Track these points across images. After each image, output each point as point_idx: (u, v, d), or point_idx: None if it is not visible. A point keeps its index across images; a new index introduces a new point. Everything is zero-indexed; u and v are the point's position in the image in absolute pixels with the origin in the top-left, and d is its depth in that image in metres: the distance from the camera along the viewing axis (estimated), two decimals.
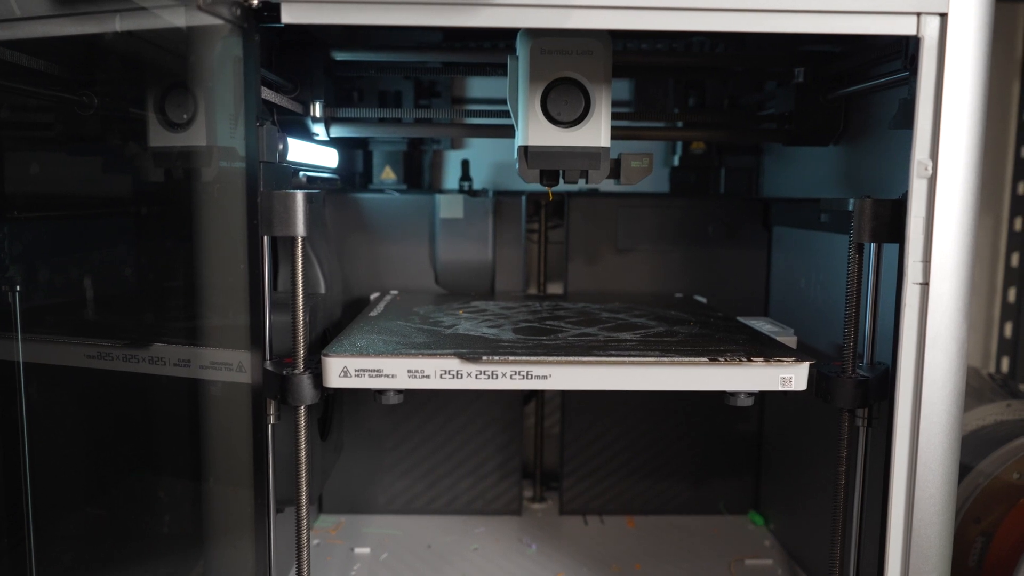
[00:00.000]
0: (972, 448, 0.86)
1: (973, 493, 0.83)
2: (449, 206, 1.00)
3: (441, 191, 1.04)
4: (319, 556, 0.93)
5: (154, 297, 0.86)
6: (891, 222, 0.61)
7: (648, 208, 1.03)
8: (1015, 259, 1.25)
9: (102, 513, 0.82)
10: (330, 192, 0.98)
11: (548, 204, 1.05)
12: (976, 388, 0.99)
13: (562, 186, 0.73)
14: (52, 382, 0.76)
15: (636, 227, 1.03)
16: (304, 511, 0.66)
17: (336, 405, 0.91)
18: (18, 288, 0.72)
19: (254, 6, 0.58)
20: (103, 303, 0.82)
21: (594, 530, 1.02)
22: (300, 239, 0.63)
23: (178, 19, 0.62)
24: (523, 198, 1.02)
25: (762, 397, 1.05)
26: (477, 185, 1.13)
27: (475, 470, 1.04)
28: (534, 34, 0.67)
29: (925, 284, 0.58)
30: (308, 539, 0.67)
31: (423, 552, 0.95)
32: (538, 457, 1.11)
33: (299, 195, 0.62)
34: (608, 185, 0.78)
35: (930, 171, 0.58)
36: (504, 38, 0.94)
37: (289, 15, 0.58)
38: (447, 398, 1.03)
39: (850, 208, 0.64)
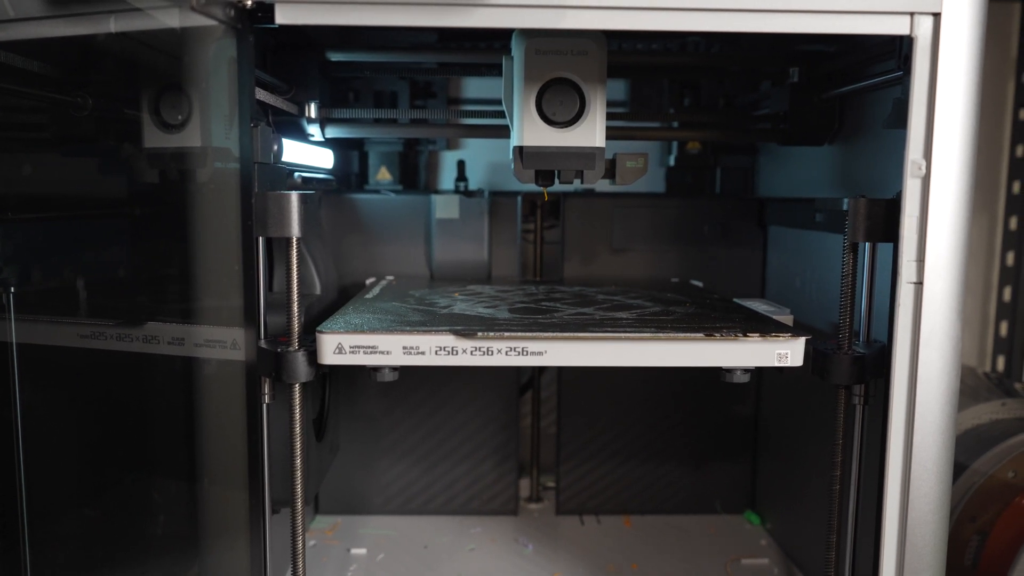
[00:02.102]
0: (967, 447, 0.86)
1: (968, 492, 0.83)
2: (445, 207, 1.00)
3: (437, 192, 1.04)
4: (315, 557, 0.93)
5: (149, 297, 0.86)
6: (885, 221, 0.61)
7: (644, 208, 1.03)
8: (1010, 258, 1.25)
9: (94, 512, 0.82)
10: (326, 193, 0.98)
11: (544, 204, 1.05)
12: (971, 387, 0.99)
13: (558, 186, 0.73)
14: (44, 370, 0.75)
15: (632, 227, 1.03)
16: (300, 507, 0.66)
17: (331, 406, 0.91)
18: (12, 290, 0.72)
19: (248, 7, 0.58)
20: (97, 304, 0.81)
21: (591, 530, 1.02)
22: (295, 240, 0.63)
23: (172, 20, 0.62)
24: (519, 198, 1.02)
25: (759, 395, 1.05)
26: (473, 185, 1.13)
27: (471, 470, 1.04)
28: (529, 34, 0.67)
29: (919, 283, 0.58)
30: (304, 540, 0.67)
31: (419, 552, 0.95)
32: (534, 457, 1.11)
33: (294, 196, 0.62)
34: (604, 185, 0.78)
35: (924, 170, 0.58)
36: (499, 38, 0.94)
37: (283, 16, 0.58)
38: (444, 397, 1.03)
39: (845, 208, 0.64)
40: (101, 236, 0.86)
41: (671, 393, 1.05)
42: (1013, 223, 1.25)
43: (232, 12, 0.58)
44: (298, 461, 0.65)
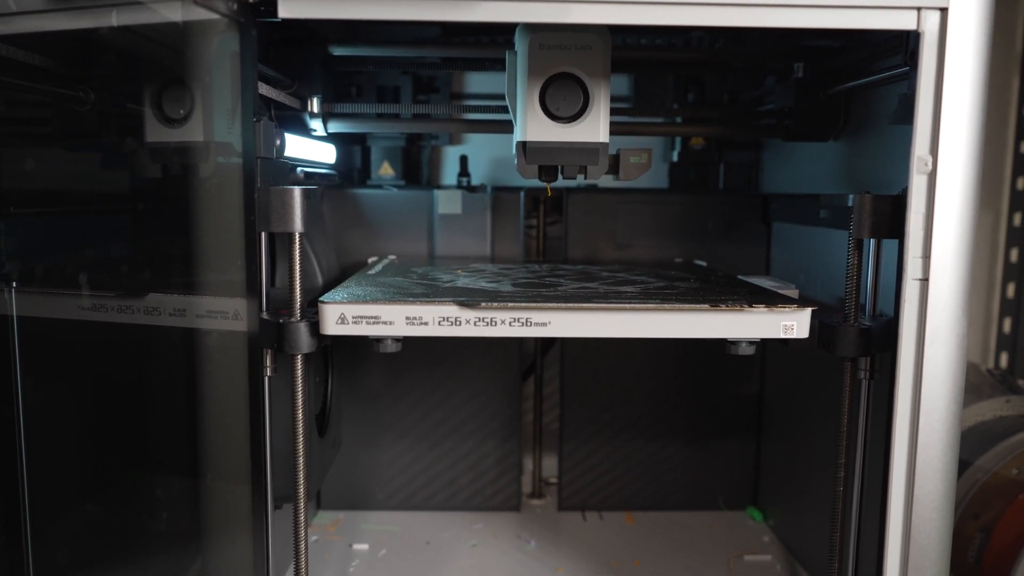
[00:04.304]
0: (971, 444, 0.86)
1: (972, 489, 0.83)
2: (447, 202, 1.00)
3: (439, 187, 1.04)
4: (317, 553, 0.93)
5: (151, 290, 0.86)
6: (891, 218, 0.61)
7: (647, 204, 1.03)
8: (1014, 255, 1.25)
9: (94, 502, 0.81)
10: (328, 188, 0.98)
11: (547, 200, 1.05)
12: (975, 384, 0.99)
13: (561, 182, 0.73)
14: (46, 349, 0.74)
15: (635, 223, 1.03)
16: (302, 501, 0.66)
17: (334, 402, 0.91)
18: (14, 285, 0.72)
19: (251, 1, 0.57)
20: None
21: (593, 526, 1.02)
22: (298, 235, 0.63)
23: (175, 14, 0.62)
24: (522, 194, 1.02)
25: (761, 395, 1.05)
26: (475, 181, 1.13)
27: (474, 466, 1.04)
28: (533, 28, 0.67)
29: (925, 280, 0.58)
30: (306, 535, 0.67)
31: (422, 548, 0.95)
32: (537, 453, 1.11)
33: (297, 191, 0.62)
34: (607, 181, 0.77)
35: (930, 167, 0.57)
36: (503, 33, 0.94)
37: (286, 10, 0.58)
38: (447, 394, 1.02)
39: (850, 204, 0.63)
40: (102, 231, 0.85)
41: (674, 389, 1.05)
42: (1017, 219, 1.24)
43: (235, 6, 0.58)
44: (300, 436, 0.64)
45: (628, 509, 1.07)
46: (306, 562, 0.67)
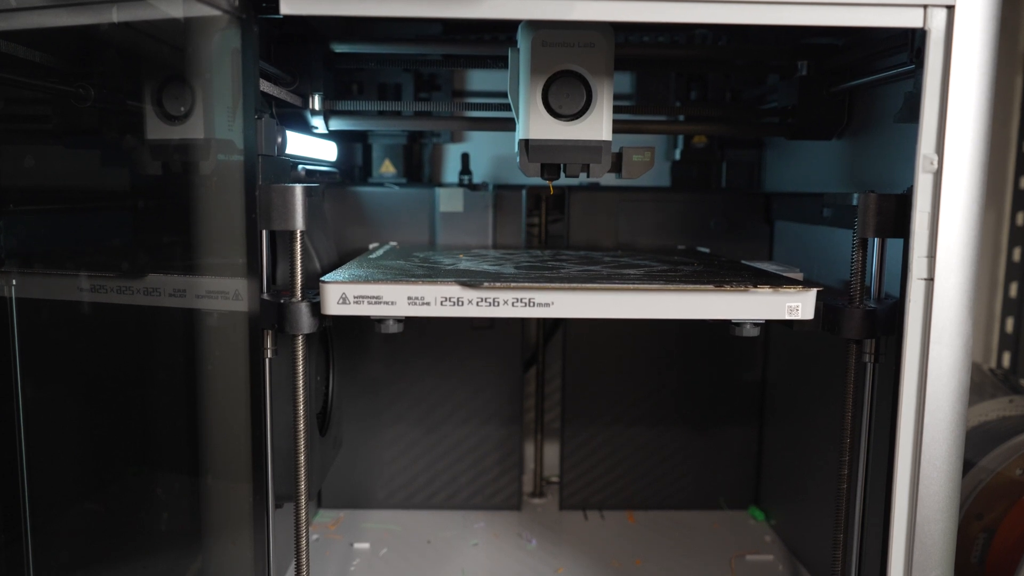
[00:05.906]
0: (974, 444, 0.86)
1: (975, 489, 0.82)
2: (449, 200, 0.99)
3: (441, 185, 1.04)
4: (318, 551, 0.93)
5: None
6: (896, 217, 0.61)
7: (649, 202, 1.03)
8: (1017, 254, 1.25)
9: (96, 505, 0.81)
10: (329, 185, 0.98)
11: (549, 198, 1.04)
12: (977, 384, 0.98)
13: (563, 180, 0.73)
14: (44, 337, 0.74)
15: (637, 221, 1.02)
16: (303, 499, 0.65)
17: (335, 401, 0.91)
18: (14, 283, 0.71)
19: None
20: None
21: (594, 525, 1.02)
22: (299, 233, 0.62)
23: (176, 10, 0.62)
24: (523, 192, 1.02)
25: (763, 393, 1.05)
26: (477, 179, 1.13)
27: (474, 465, 1.04)
28: (536, 26, 0.67)
29: (930, 280, 0.58)
30: (307, 534, 0.66)
31: (423, 547, 0.95)
32: (538, 452, 1.10)
33: (298, 189, 0.61)
34: (609, 179, 0.77)
35: (936, 166, 0.57)
36: (505, 30, 0.94)
37: (288, 6, 0.57)
38: (448, 392, 1.02)
39: (854, 203, 0.63)
40: (103, 231, 0.85)
41: (677, 387, 1.05)
42: (1020, 219, 1.24)
43: (236, 2, 0.58)
44: (300, 420, 0.64)
45: (630, 508, 1.06)
46: (307, 561, 0.66)
